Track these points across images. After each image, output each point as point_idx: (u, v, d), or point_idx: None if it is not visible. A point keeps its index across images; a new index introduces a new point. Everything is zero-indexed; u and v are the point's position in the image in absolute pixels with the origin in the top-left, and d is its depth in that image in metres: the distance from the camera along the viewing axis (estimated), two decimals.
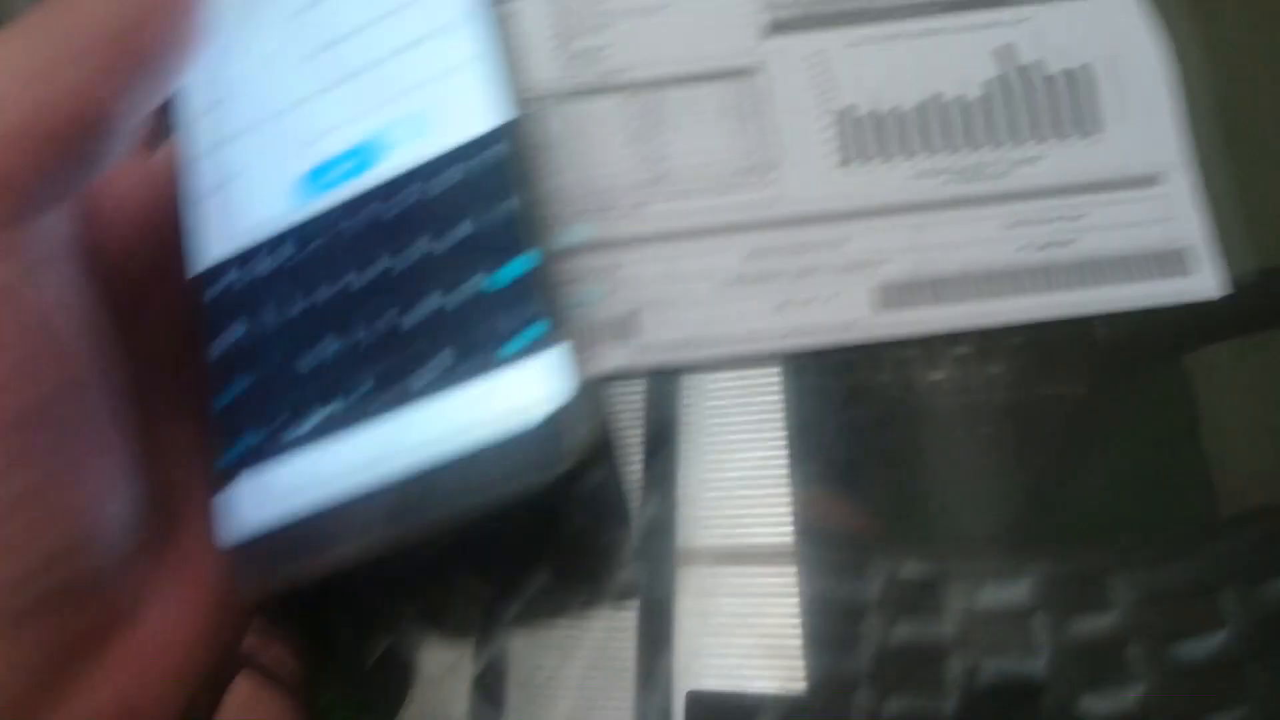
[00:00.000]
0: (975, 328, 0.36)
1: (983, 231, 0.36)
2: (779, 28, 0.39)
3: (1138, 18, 0.38)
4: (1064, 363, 0.36)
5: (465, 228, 0.23)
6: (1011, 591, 0.34)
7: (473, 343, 0.22)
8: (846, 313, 0.36)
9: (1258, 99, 0.38)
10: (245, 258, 0.25)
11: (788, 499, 0.35)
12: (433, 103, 0.24)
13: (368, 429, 0.23)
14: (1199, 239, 0.36)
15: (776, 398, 0.36)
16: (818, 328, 0.36)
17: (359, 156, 0.24)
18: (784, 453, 0.36)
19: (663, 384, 0.36)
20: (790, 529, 0.35)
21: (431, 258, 0.23)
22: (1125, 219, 0.36)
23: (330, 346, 0.23)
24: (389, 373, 0.23)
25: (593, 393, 0.22)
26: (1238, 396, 0.35)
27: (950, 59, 0.38)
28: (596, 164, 0.38)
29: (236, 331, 0.24)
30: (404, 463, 0.22)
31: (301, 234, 0.24)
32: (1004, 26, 0.39)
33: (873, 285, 0.36)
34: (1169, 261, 0.35)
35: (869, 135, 0.38)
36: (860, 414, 0.36)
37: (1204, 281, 0.35)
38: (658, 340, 0.36)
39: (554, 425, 0.21)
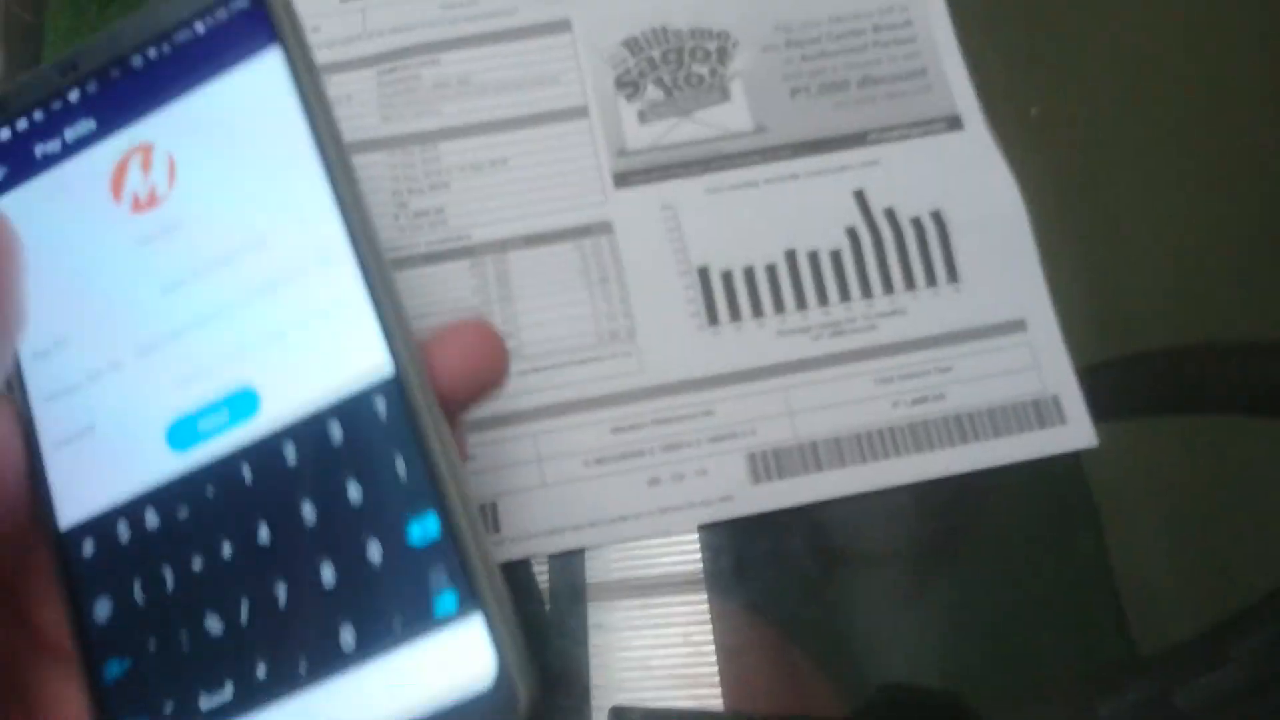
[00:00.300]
0: (857, 492, 0.34)
1: (855, 390, 0.35)
2: (626, 180, 0.37)
3: (988, 157, 0.38)
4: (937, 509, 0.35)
5: (353, 490, 0.20)
6: None
7: (371, 617, 0.19)
8: (722, 486, 0.34)
9: (1113, 233, 0.38)
10: (110, 519, 0.21)
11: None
12: (309, 350, 0.21)
13: (260, 715, 0.20)
14: (1070, 383, 0.35)
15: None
16: (693, 503, 0.34)
17: (232, 407, 0.21)
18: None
19: None
20: None
21: (317, 525, 0.20)
22: (995, 368, 0.35)
23: (213, 625, 0.20)
24: (281, 653, 0.20)
25: (526, 661, 0.19)
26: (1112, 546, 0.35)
27: (807, 207, 0.37)
28: None
29: (105, 605, 0.21)
30: None
31: (171, 494, 0.21)
32: (856, 169, 0.38)
33: (747, 455, 0.34)
34: (1044, 410, 0.34)
35: (731, 293, 0.36)
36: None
37: (1080, 428, 0.34)
38: (519, 533, 0.33)
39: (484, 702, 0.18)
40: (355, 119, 0.38)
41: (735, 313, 0.36)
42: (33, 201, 0.24)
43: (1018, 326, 0.36)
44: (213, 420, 0.21)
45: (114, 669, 0.21)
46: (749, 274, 0.36)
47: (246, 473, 0.21)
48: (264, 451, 0.21)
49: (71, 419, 0.22)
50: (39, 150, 0.24)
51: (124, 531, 0.21)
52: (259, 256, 0.22)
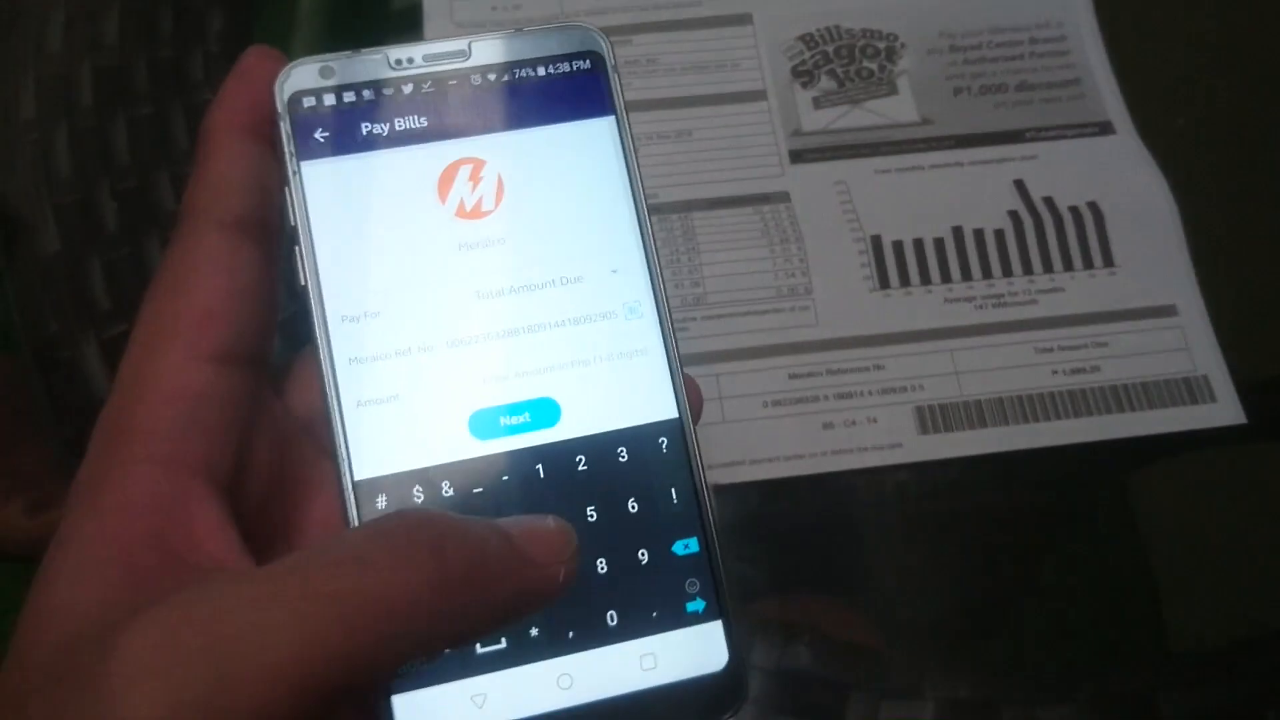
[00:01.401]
0: (1016, 449, 0.36)
1: (1016, 356, 0.37)
2: (801, 156, 0.40)
3: (1140, 160, 0.40)
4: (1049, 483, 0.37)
5: (632, 505, 0.24)
6: (1061, 712, 0.34)
7: (634, 605, 0.23)
8: (892, 434, 0.36)
9: (1260, 232, 0.40)
10: (405, 481, 0.23)
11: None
12: (610, 382, 0.24)
13: (532, 667, 0.23)
14: (1219, 365, 0.37)
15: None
16: (864, 448, 0.36)
17: (535, 412, 0.24)
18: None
19: None
20: None
21: (597, 524, 0.23)
22: (1148, 346, 0.37)
23: None
24: (552, 621, 0.23)
25: (745, 660, 0.23)
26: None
27: (970, 191, 0.40)
28: None
29: None
30: (568, 699, 0.22)
31: (467, 472, 0.24)
32: (1014, 162, 0.40)
33: (915, 408, 0.36)
34: (1195, 388, 0.37)
35: (901, 261, 0.38)
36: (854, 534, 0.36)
37: (1229, 407, 0.36)
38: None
39: (723, 681, 0.23)
40: None
41: (905, 279, 0.38)
42: (354, 175, 0.25)
43: (1169, 311, 0.38)
44: (515, 419, 0.24)
45: None
46: (918, 245, 0.39)
47: (540, 469, 0.24)
48: (559, 455, 0.24)
49: (375, 385, 0.24)
50: (365, 128, 0.25)
51: (418, 495, 0.23)
52: (574, 290, 0.25)
